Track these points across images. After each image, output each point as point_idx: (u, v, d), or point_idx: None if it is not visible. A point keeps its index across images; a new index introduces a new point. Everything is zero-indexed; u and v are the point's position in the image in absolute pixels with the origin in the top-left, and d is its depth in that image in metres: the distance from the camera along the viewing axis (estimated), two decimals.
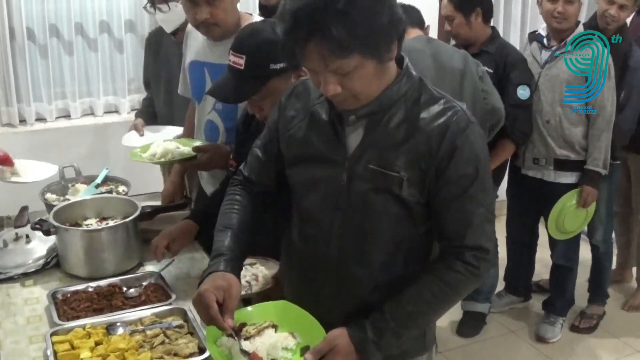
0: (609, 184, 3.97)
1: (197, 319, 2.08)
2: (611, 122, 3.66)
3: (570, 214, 3.77)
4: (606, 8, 3.75)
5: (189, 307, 2.17)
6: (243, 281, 2.20)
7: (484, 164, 1.78)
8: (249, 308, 1.90)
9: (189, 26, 2.89)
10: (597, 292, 4.25)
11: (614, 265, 4.52)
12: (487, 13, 3.78)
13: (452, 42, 3.94)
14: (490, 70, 3.61)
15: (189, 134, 3.07)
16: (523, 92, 3.64)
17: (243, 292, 2.16)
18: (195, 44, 2.84)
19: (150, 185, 3.71)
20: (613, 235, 4.39)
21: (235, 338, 1.74)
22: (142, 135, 3.62)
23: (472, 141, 1.74)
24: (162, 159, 2.79)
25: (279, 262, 2.25)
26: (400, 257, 1.85)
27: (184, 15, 3.13)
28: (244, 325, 1.81)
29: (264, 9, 3.76)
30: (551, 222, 3.81)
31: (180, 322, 2.11)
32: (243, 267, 2.23)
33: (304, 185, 1.91)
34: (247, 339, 1.77)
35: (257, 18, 2.79)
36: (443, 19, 3.93)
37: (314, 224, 1.90)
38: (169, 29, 3.38)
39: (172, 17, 3.28)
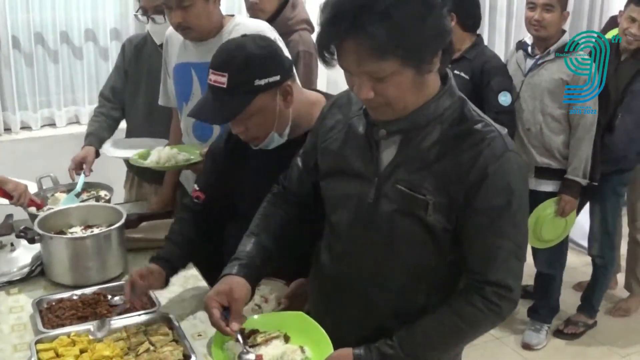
0: (600, 202, 4.01)
1: (182, 326, 2.09)
2: (592, 130, 3.68)
3: (547, 223, 3.80)
4: (627, 26, 3.76)
5: (174, 314, 2.17)
6: (252, 304, 2.14)
7: (518, 196, 1.67)
8: (259, 316, 1.89)
9: (168, 31, 2.89)
10: (587, 302, 4.28)
11: None
12: (466, 21, 3.80)
13: None
14: (467, 77, 3.65)
15: (175, 143, 3.04)
16: (505, 99, 3.67)
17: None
18: (177, 47, 2.84)
19: None
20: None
21: (241, 342, 1.74)
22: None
23: (507, 170, 1.64)
24: (167, 164, 2.77)
25: (286, 282, 2.22)
26: (423, 285, 1.78)
27: None
28: (255, 332, 1.80)
29: None
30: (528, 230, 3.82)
31: (165, 329, 2.11)
32: None
33: (334, 199, 1.86)
34: (253, 346, 1.75)
35: (240, 19, 2.79)
36: None
37: (339, 239, 1.86)
38: (159, 40, 3.26)
39: (165, 28, 3.14)
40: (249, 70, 2.00)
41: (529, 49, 3.81)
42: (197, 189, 2.36)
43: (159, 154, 2.78)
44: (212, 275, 2.47)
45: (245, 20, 2.80)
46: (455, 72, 3.72)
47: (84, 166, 3.16)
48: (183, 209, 2.42)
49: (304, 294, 2.14)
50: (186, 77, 2.80)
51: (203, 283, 2.50)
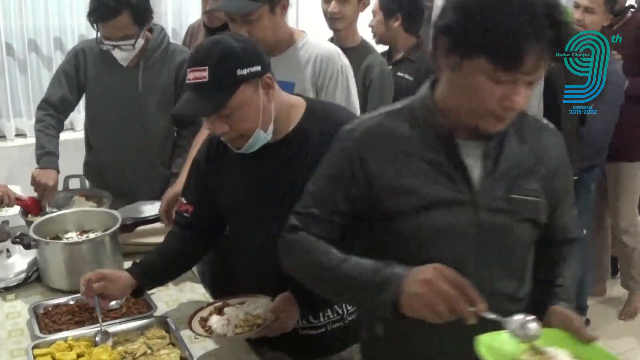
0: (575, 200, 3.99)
1: (179, 330, 2.10)
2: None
3: None
4: (574, 14, 3.75)
5: (170, 317, 2.18)
6: (236, 321, 2.03)
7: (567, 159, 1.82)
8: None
9: None
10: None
11: None
12: (409, 23, 3.82)
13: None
14: (411, 79, 3.66)
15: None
16: None
17: (239, 331, 2.01)
18: None
19: None
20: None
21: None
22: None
23: (562, 146, 1.80)
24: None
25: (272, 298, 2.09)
26: (527, 282, 1.77)
27: (140, 45, 3.06)
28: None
29: (208, 30, 3.51)
30: None
31: (162, 332, 2.11)
32: (231, 307, 2.11)
33: (430, 236, 1.68)
34: None
35: (311, 38, 2.69)
36: None
37: None
38: (125, 63, 3.15)
39: (133, 52, 3.10)
40: (230, 60, 1.94)
41: None
42: (185, 202, 2.28)
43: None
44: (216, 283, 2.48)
45: (317, 40, 2.70)
46: (399, 74, 3.71)
47: (45, 193, 2.96)
48: (175, 225, 2.35)
49: (290, 307, 2.05)
50: None
51: (200, 286, 2.51)
